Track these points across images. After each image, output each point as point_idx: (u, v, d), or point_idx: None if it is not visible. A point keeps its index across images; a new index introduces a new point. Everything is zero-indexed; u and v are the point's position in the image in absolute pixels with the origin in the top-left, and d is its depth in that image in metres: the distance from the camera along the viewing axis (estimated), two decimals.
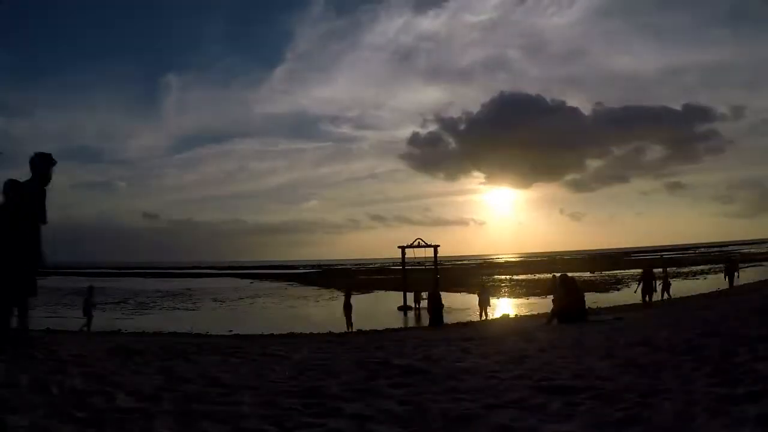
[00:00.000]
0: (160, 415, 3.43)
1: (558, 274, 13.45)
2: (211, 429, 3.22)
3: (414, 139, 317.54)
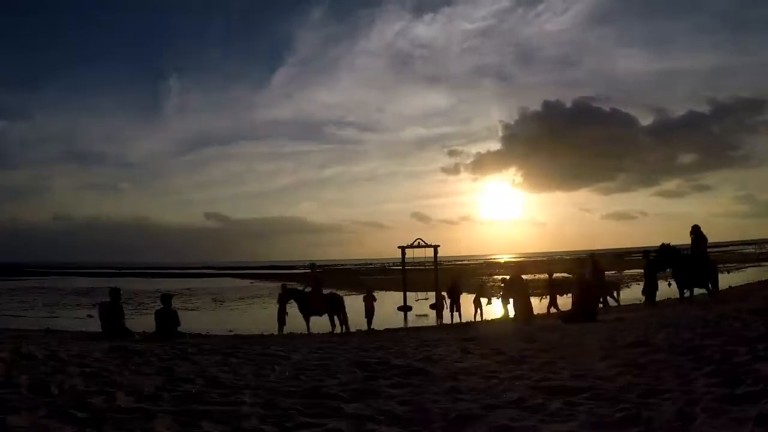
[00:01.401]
0: (160, 415, 3.43)
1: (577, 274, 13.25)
2: (211, 429, 3.22)
3: (422, 141, 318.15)
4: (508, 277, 16.96)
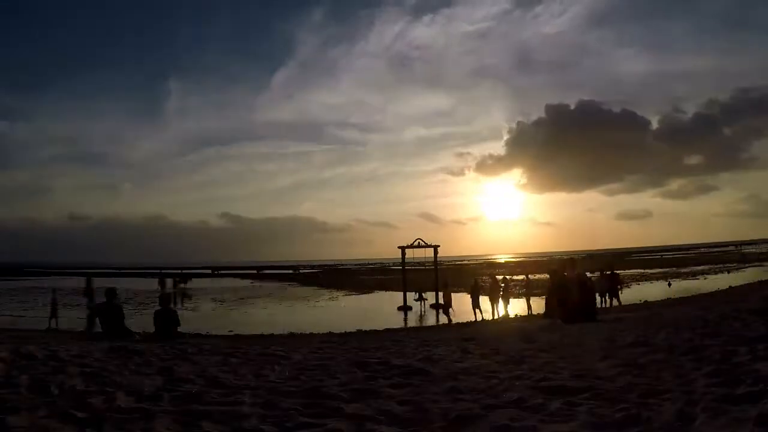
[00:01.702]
0: (160, 415, 3.43)
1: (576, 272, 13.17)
2: (211, 429, 3.22)
3: (425, 142, 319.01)
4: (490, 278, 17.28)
